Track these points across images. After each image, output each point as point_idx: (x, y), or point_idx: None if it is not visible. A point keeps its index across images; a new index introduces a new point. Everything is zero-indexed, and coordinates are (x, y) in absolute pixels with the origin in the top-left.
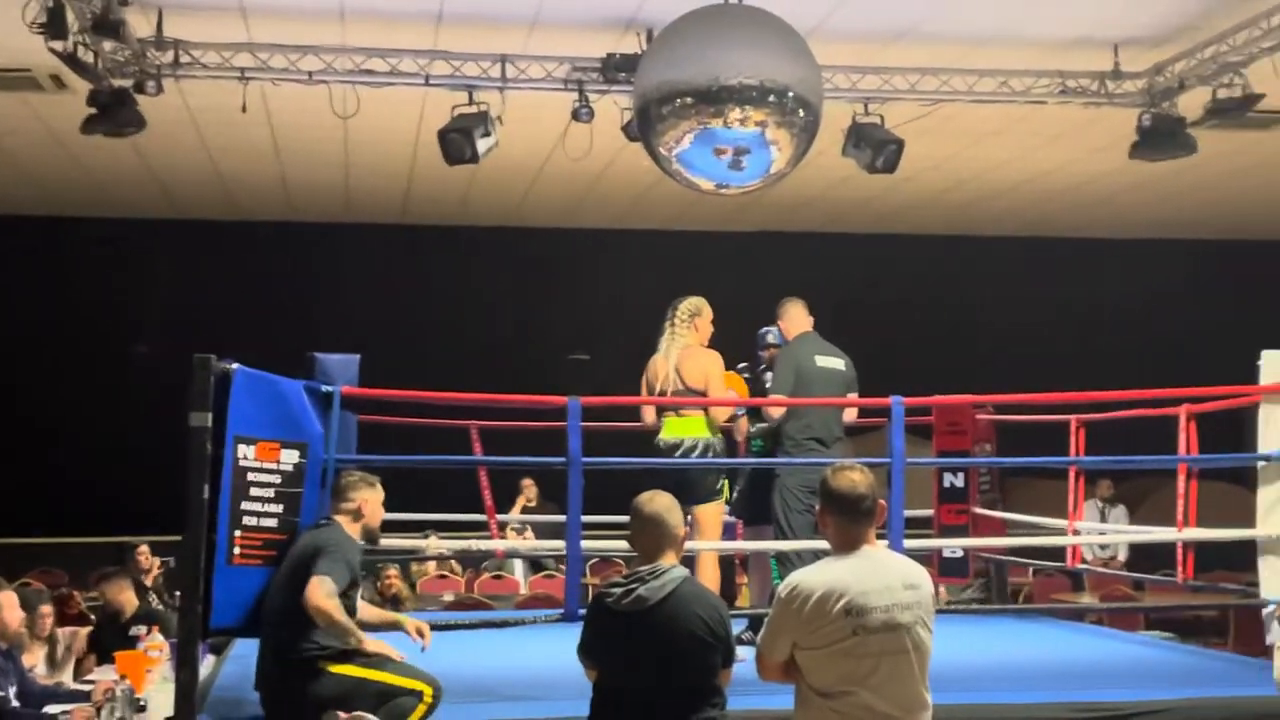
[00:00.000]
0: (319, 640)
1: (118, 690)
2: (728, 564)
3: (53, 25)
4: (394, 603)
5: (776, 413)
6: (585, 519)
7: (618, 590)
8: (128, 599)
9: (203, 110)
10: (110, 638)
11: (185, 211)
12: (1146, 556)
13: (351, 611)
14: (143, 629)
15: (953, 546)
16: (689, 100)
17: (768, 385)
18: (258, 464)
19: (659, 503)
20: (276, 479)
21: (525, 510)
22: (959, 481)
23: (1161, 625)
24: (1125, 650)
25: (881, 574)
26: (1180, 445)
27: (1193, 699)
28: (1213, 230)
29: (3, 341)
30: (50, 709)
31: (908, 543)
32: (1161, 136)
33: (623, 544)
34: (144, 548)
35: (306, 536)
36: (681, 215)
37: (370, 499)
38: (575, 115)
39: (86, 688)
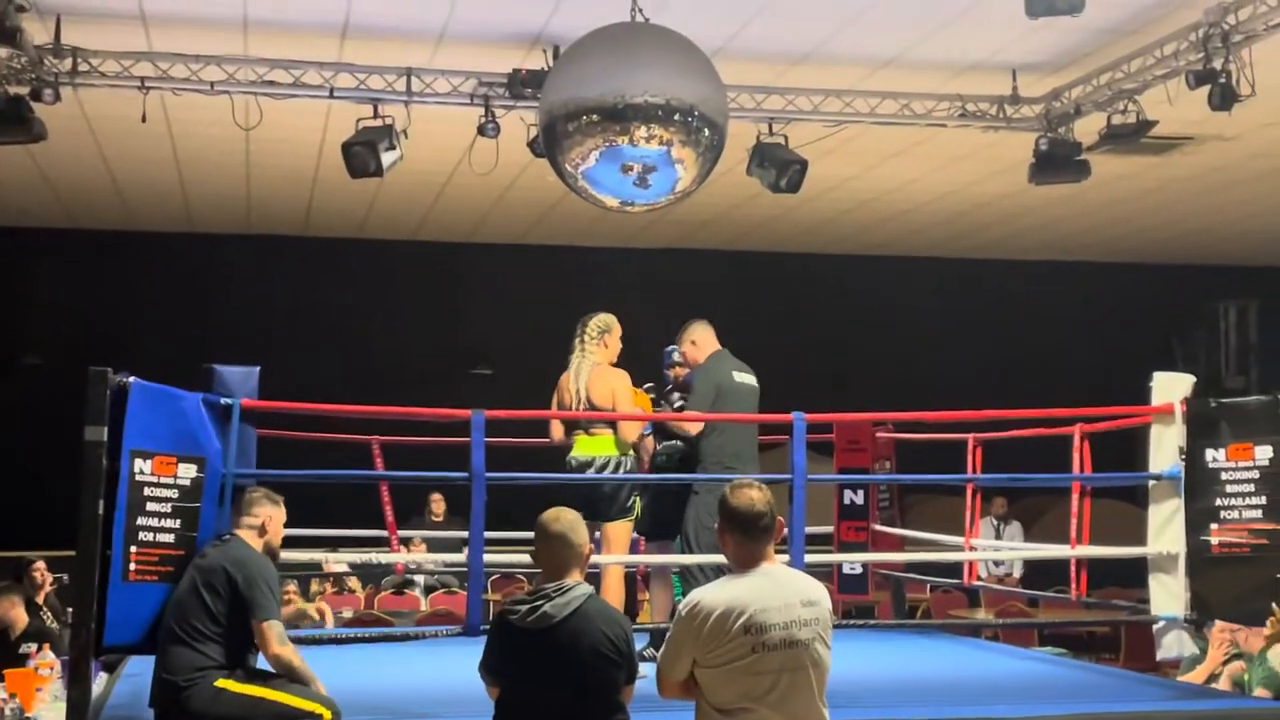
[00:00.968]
0: (217, 658)
1: (6, 709)
2: (630, 580)
3: None
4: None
5: (694, 429)
6: (490, 534)
7: (522, 608)
8: (18, 615)
9: (101, 119)
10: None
11: (81, 221)
12: (1041, 573)
13: None
14: (33, 646)
15: (852, 562)
16: (595, 118)
17: (675, 405)
18: (155, 479)
19: (565, 520)
20: (174, 494)
21: (432, 525)
22: (859, 498)
23: (1055, 641)
24: (1019, 666)
25: (781, 591)
26: (1074, 464)
27: (1084, 714)
28: (1108, 253)
29: None
30: None
31: (808, 558)
32: (1058, 161)
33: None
34: (40, 564)
35: (213, 553)
36: (586, 232)
37: (274, 516)
38: (481, 130)
39: None
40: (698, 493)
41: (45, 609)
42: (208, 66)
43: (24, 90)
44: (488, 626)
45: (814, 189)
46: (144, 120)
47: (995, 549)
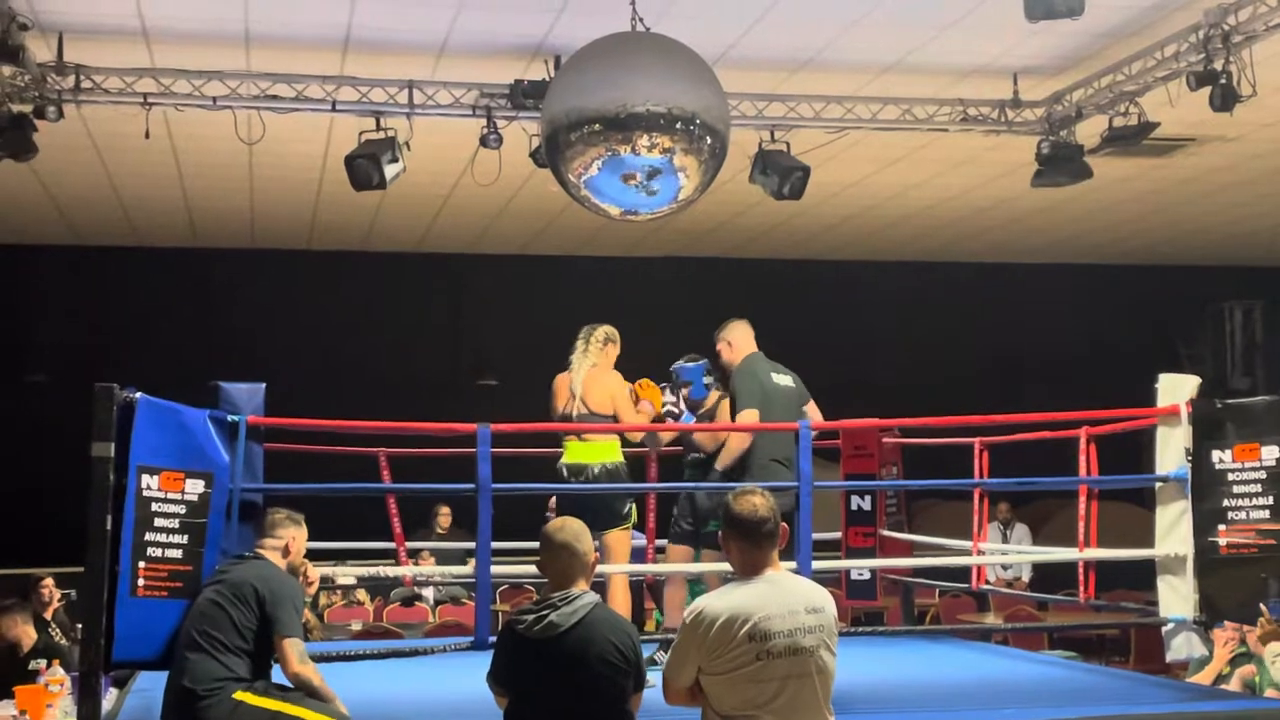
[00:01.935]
0: (237, 671)
1: None
2: (636, 589)
3: None
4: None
5: (742, 439)
6: (497, 545)
7: (529, 617)
8: (24, 632)
9: (105, 136)
10: (7, 672)
11: (86, 238)
12: (1049, 577)
13: None
14: (42, 663)
15: (860, 568)
16: (597, 127)
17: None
18: (162, 494)
19: (569, 529)
20: (181, 509)
21: (438, 537)
22: (866, 504)
23: (1064, 644)
24: (1029, 669)
25: (785, 598)
26: (1080, 467)
27: (1095, 716)
28: (1112, 255)
29: None
30: None
31: (816, 564)
32: (1060, 163)
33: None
34: (48, 580)
35: (239, 569)
36: (590, 241)
37: (297, 536)
38: (483, 141)
39: None
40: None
41: (54, 625)
42: (210, 82)
43: (27, 108)
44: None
45: (816, 195)
46: (147, 136)
47: (1003, 553)
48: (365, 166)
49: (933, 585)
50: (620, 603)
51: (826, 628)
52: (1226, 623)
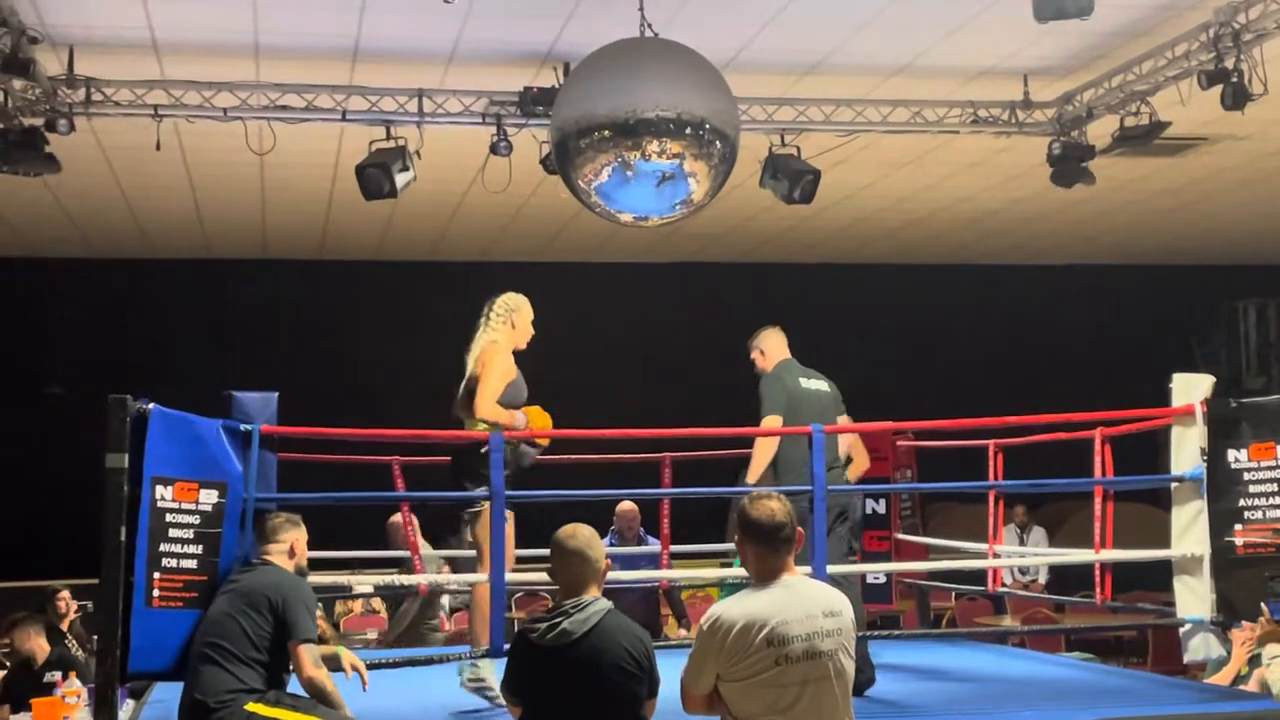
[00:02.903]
0: (249, 682)
1: None
2: (652, 595)
3: None
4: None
5: (767, 447)
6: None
7: (542, 625)
8: (39, 645)
9: (116, 148)
10: (23, 685)
11: (99, 250)
12: (1066, 578)
13: None
14: (57, 675)
15: (876, 572)
16: (607, 133)
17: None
18: (176, 504)
19: (581, 536)
20: (195, 519)
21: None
22: (880, 508)
23: (1081, 646)
24: (1047, 672)
25: (802, 603)
26: (1095, 468)
27: (1113, 718)
28: (1125, 255)
29: None
30: None
31: (830, 569)
32: (1071, 164)
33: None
34: (64, 592)
35: (248, 577)
36: (601, 247)
37: (300, 538)
38: (494, 149)
39: None
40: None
41: (70, 637)
42: (220, 93)
43: (39, 122)
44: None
45: (827, 199)
46: (158, 148)
47: (1019, 555)
48: (376, 175)
49: (949, 588)
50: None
51: (844, 631)
52: (1244, 623)
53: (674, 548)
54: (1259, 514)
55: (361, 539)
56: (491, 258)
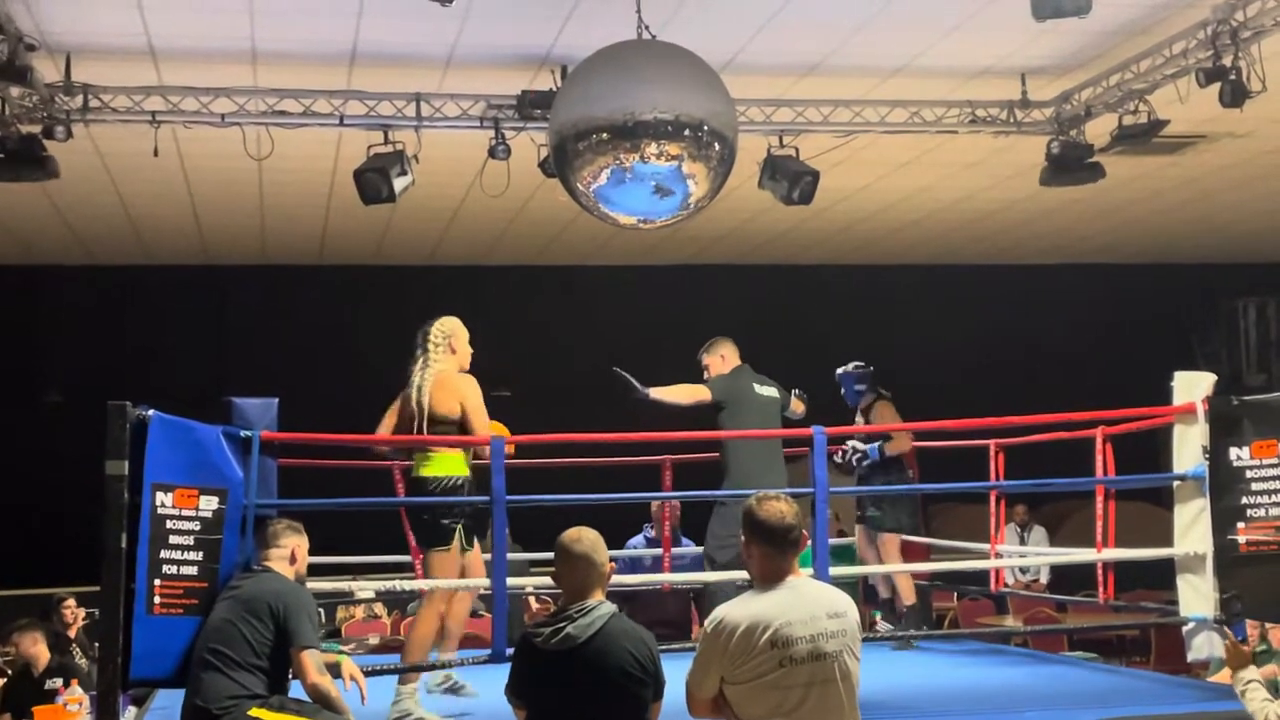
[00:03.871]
0: (251, 688)
1: None
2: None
3: None
4: None
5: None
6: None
7: (546, 630)
8: (40, 652)
9: (114, 155)
10: (24, 692)
11: (98, 257)
12: (1068, 578)
13: None
14: (58, 682)
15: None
16: (605, 136)
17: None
18: (176, 511)
19: (586, 540)
20: (196, 526)
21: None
22: None
23: (1084, 646)
24: (1050, 672)
25: (806, 604)
26: (1096, 467)
27: (1117, 718)
28: (1124, 254)
29: None
30: None
31: (833, 571)
32: (1070, 163)
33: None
34: (70, 600)
35: (249, 584)
36: (601, 250)
37: (300, 544)
38: (492, 153)
39: None
40: (724, 505)
41: (75, 645)
42: (218, 99)
43: (36, 129)
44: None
45: (826, 200)
46: (156, 154)
47: (1021, 555)
48: (374, 180)
49: (951, 589)
50: (423, 629)
51: (849, 632)
52: (1246, 620)
53: (676, 550)
54: (1261, 512)
55: (363, 545)
56: (490, 261)
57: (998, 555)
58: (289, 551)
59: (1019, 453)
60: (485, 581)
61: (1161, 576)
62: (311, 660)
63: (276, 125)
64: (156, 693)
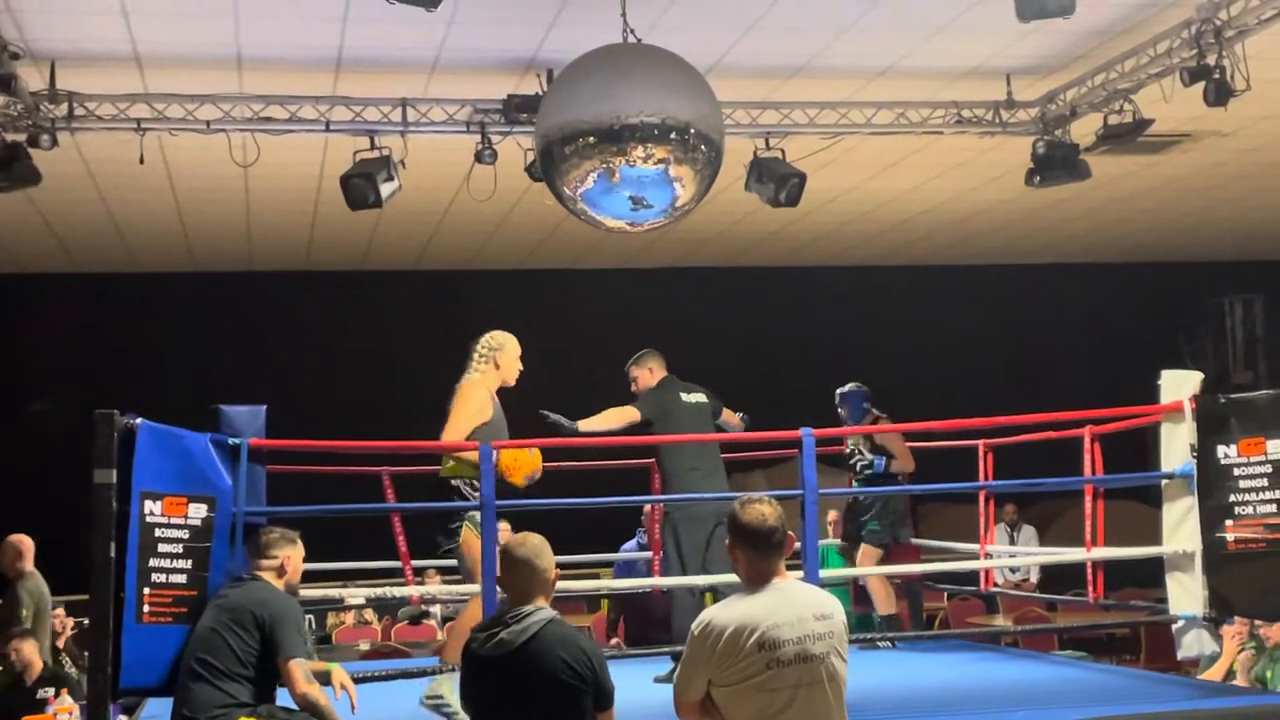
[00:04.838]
0: (239, 697)
1: None
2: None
3: None
4: None
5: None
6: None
7: (482, 635)
8: (33, 660)
9: (99, 162)
10: (15, 701)
11: (84, 265)
12: (1058, 577)
13: None
14: (49, 692)
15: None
16: (592, 139)
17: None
18: (165, 519)
19: (530, 545)
20: (185, 534)
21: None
22: None
23: (1074, 644)
24: (1040, 671)
25: (792, 606)
26: (1085, 466)
27: (1107, 716)
28: (1111, 253)
29: None
30: None
31: (822, 573)
32: (1056, 163)
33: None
34: (59, 610)
35: (235, 593)
36: (588, 254)
37: (293, 555)
38: (478, 157)
39: None
40: (670, 513)
41: (65, 655)
42: (203, 105)
43: (21, 137)
44: None
45: (813, 202)
46: (142, 162)
47: (1010, 555)
48: (361, 186)
49: (941, 589)
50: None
51: (836, 634)
52: (1235, 618)
53: None
54: (1249, 509)
55: (353, 551)
56: (478, 265)
57: (987, 555)
58: (279, 562)
59: (1008, 452)
60: (476, 588)
61: (1151, 575)
62: (299, 670)
63: (262, 131)
64: (146, 701)
